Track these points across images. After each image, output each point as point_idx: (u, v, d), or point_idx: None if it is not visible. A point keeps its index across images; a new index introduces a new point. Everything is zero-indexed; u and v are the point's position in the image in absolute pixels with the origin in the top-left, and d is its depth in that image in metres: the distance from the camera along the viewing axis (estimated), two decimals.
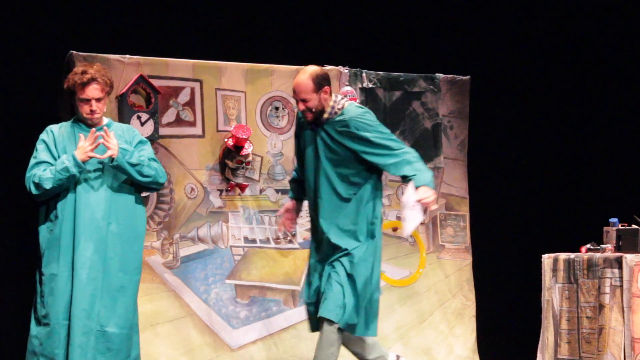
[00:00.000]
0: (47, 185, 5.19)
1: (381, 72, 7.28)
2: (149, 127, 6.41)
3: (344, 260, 5.45)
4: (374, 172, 5.56)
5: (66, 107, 6.13)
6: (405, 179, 5.47)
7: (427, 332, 7.25)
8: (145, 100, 6.46)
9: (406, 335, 7.18)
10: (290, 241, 6.91)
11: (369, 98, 7.21)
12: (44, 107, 6.55)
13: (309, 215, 5.69)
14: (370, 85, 7.22)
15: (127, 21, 6.88)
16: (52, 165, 5.25)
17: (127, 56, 6.41)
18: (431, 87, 7.44)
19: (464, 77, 7.55)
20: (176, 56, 6.53)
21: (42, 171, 5.23)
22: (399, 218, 7.29)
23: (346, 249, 5.44)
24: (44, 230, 5.33)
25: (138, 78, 6.37)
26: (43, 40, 6.59)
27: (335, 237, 5.48)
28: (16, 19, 6.61)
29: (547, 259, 6.49)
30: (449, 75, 7.51)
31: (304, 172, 5.62)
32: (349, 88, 7.09)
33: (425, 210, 5.36)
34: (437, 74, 7.48)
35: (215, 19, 7.10)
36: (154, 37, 6.88)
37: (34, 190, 5.22)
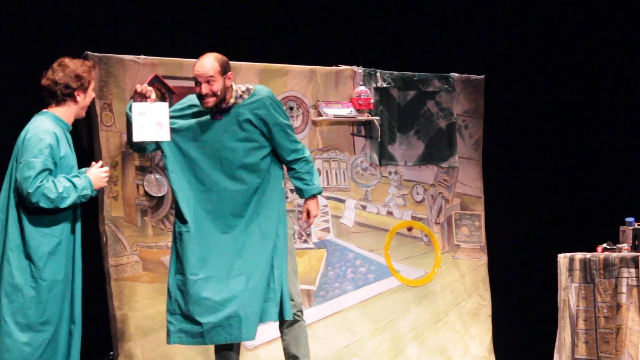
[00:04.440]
0: (63, 205, 5.01)
1: (395, 72, 7.27)
2: None
3: (273, 251, 5.52)
4: (274, 159, 5.60)
5: None
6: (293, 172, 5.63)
7: (443, 332, 7.23)
8: (159, 101, 6.45)
9: (422, 335, 7.16)
10: (305, 241, 6.90)
11: (383, 98, 7.20)
12: None
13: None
14: (385, 85, 7.21)
15: (142, 22, 6.88)
16: (51, 172, 5.03)
17: (142, 57, 6.41)
18: (445, 86, 7.43)
19: (478, 77, 7.54)
20: (191, 56, 6.52)
21: (56, 184, 5.00)
22: (414, 218, 7.29)
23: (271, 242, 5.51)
24: (39, 235, 5.07)
25: (153, 78, 6.34)
26: (58, 41, 6.59)
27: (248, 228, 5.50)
28: (31, 19, 6.62)
29: (563, 258, 6.47)
30: (464, 75, 7.50)
31: (185, 166, 5.51)
32: (363, 88, 7.09)
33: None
34: (451, 74, 7.46)
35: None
36: (169, 38, 6.88)
37: (43, 202, 4.96)
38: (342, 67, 7.14)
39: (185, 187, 5.49)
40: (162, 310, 6.25)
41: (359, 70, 7.15)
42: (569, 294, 6.40)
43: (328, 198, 7.00)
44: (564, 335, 6.42)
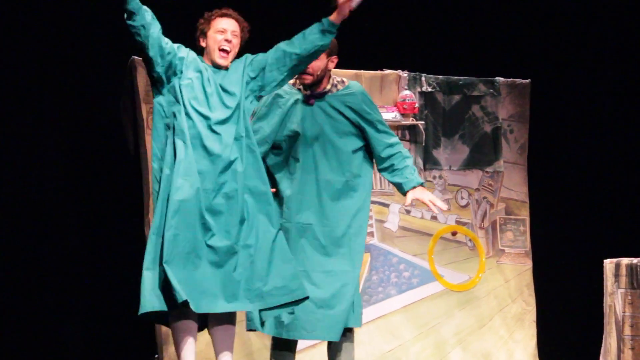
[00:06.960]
0: None
1: (440, 76, 7.26)
2: None
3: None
4: (368, 154, 5.48)
5: (128, 110, 6.18)
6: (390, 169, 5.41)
7: (487, 337, 7.21)
8: None
9: (465, 340, 7.15)
10: None
11: (428, 102, 7.19)
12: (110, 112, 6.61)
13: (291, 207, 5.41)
14: (430, 89, 7.21)
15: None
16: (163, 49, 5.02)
17: None
18: (491, 90, 7.41)
19: (524, 81, 7.51)
20: None
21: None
22: (458, 222, 7.27)
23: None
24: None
25: None
26: (103, 46, 6.66)
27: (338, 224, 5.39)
28: (83, 25, 6.69)
29: (609, 264, 6.42)
30: (509, 79, 7.48)
31: (290, 155, 5.40)
32: (408, 92, 7.08)
33: None
34: (497, 78, 7.44)
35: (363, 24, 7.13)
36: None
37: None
38: (387, 71, 7.14)
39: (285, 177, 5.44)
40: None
41: (404, 74, 7.15)
42: (615, 299, 6.35)
43: (372, 202, 6.99)
44: (609, 341, 6.37)
